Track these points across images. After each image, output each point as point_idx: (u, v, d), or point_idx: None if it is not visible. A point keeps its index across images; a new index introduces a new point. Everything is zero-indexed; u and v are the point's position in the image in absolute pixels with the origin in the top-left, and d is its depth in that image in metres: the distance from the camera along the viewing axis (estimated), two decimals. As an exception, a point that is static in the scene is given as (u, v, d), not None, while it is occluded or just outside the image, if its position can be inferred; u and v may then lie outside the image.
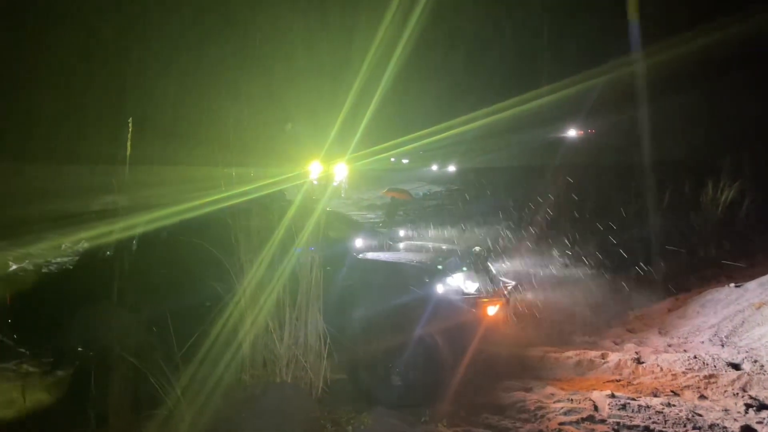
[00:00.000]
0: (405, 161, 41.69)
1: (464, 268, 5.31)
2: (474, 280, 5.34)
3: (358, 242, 5.25)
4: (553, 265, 10.06)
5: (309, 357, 4.43)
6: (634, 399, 4.70)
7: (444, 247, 6.56)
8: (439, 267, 5.13)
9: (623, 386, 5.30)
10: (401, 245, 6.52)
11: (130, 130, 4.49)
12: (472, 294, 5.20)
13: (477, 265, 5.77)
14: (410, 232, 14.00)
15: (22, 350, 6.59)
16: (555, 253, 10.95)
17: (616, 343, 6.82)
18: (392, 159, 40.74)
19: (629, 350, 6.39)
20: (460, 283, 5.23)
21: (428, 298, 4.77)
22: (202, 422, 4.07)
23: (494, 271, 6.21)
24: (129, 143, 4.45)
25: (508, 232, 12.28)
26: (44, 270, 7.27)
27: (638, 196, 13.46)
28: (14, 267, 12.57)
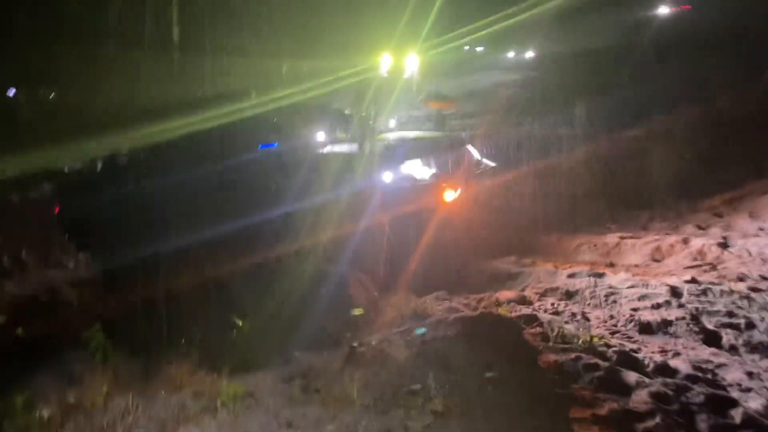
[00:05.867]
0: (479, 49, 39.77)
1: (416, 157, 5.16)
2: (432, 166, 5.21)
3: (320, 136, 5.01)
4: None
5: (370, 248, 4.36)
6: (716, 284, 4.38)
7: (428, 135, 6.35)
8: None
9: (705, 272, 4.96)
10: (391, 136, 6.25)
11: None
12: (425, 180, 5.09)
13: (451, 151, 5.60)
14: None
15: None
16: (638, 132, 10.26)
17: (701, 228, 6.38)
18: (466, 47, 38.89)
19: (715, 235, 5.96)
20: (412, 170, 5.13)
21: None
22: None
23: (477, 156, 5.98)
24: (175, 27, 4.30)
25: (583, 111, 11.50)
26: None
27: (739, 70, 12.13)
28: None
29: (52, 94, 21.72)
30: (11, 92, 22.56)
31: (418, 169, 5.11)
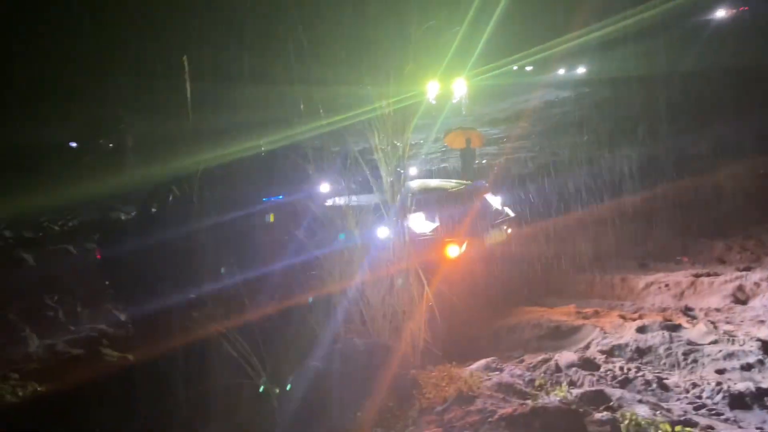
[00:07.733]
0: (528, 68, 39.06)
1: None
2: (435, 220, 4.79)
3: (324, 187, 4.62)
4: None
5: (407, 308, 3.90)
6: (819, 337, 3.71)
7: (449, 184, 5.79)
8: None
9: (802, 316, 4.28)
10: (413, 185, 5.76)
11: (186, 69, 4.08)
12: (425, 235, 4.67)
13: (462, 202, 5.13)
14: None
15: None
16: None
17: (791, 260, 5.65)
18: (514, 67, 38.30)
19: (807, 268, 5.24)
20: (413, 224, 4.68)
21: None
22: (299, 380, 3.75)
23: (494, 206, 5.51)
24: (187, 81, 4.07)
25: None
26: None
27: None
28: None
29: (111, 145, 22.81)
30: (73, 144, 23.87)
31: (419, 223, 4.67)
